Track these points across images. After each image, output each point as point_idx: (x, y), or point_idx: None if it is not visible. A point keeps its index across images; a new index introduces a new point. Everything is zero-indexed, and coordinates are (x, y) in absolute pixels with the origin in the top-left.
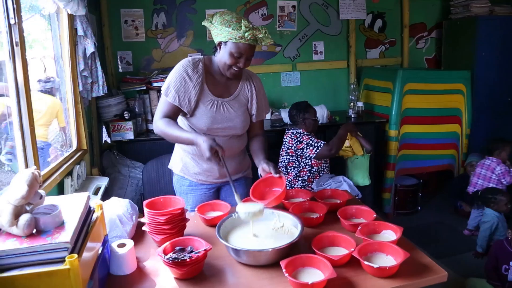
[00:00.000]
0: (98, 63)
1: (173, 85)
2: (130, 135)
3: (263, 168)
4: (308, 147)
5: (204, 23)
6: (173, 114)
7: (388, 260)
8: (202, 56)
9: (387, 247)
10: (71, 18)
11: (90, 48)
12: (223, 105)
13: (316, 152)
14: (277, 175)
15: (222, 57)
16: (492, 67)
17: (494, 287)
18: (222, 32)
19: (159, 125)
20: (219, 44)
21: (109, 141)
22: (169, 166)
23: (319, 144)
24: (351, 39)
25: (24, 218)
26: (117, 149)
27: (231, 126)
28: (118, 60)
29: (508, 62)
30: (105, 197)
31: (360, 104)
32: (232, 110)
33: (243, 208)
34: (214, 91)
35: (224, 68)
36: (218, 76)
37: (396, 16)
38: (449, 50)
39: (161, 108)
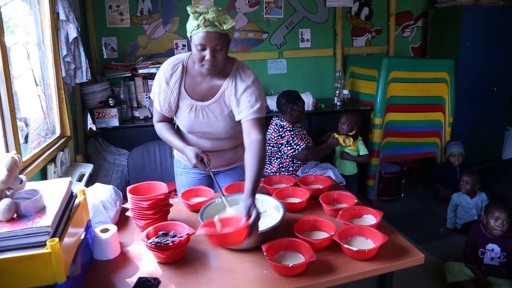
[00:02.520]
0: (81, 49)
1: (155, 91)
2: (115, 122)
3: (240, 208)
4: (287, 145)
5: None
6: (164, 118)
7: (367, 243)
8: (188, 55)
9: (367, 231)
10: (53, 2)
11: (73, 33)
12: (202, 110)
13: (292, 154)
14: (244, 220)
15: (193, 54)
16: (476, 57)
17: (471, 270)
18: (187, 27)
19: (158, 129)
20: (190, 41)
21: (94, 128)
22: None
23: (298, 147)
24: (337, 27)
25: (4, 202)
26: (102, 136)
27: (211, 132)
28: (103, 46)
29: (491, 52)
30: (90, 184)
31: (345, 91)
32: (212, 115)
33: (232, 213)
34: (194, 94)
35: (199, 66)
36: (201, 77)
37: (382, 4)
38: (434, 39)
39: (154, 111)
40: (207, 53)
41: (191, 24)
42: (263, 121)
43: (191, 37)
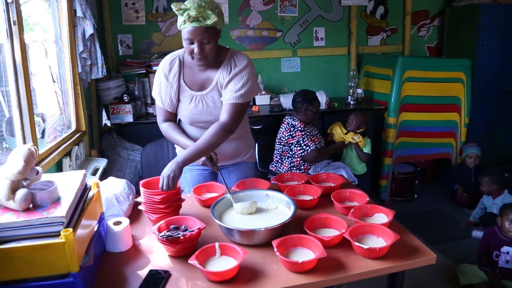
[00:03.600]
0: (97, 45)
1: (156, 88)
2: (130, 118)
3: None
4: (297, 145)
5: None
6: (168, 115)
7: (378, 242)
8: (182, 51)
9: (378, 229)
10: None
11: (89, 29)
12: (202, 100)
13: (301, 154)
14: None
15: (184, 47)
16: (493, 56)
17: (485, 273)
18: (177, 23)
19: (163, 129)
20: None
21: (109, 124)
22: (175, 145)
23: (308, 148)
24: (352, 26)
25: (21, 192)
26: (116, 131)
27: (212, 120)
28: (118, 43)
29: (510, 51)
30: (103, 178)
31: (359, 91)
32: (212, 103)
33: (239, 205)
34: (192, 85)
35: (191, 59)
36: (197, 68)
37: (398, 3)
38: (451, 38)
39: (157, 110)
40: (195, 47)
41: (179, 20)
42: (242, 107)
43: (181, 31)
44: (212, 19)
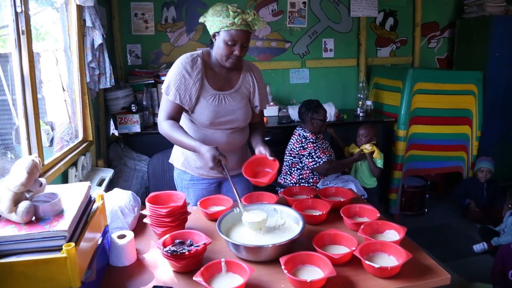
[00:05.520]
0: (106, 55)
1: (173, 83)
2: (137, 128)
3: (260, 150)
4: (308, 157)
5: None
6: (176, 113)
7: (390, 260)
8: (201, 51)
9: (390, 247)
10: (80, 9)
11: (98, 39)
12: (225, 98)
13: (313, 166)
14: (271, 158)
15: (218, 48)
16: (505, 68)
17: None
18: (214, 23)
19: (164, 127)
20: (214, 35)
21: (116, 133)
22: (170, 161)
23: (320, 160)
24: (361, 37)
25: (23, 205)
26: (123, 141)
27: (233, 119)
28: (127, 53)
29: None
30: (110, 189)
31: (369, 103)
32: (234, 103)
33: (248, 218)
34: (214, 85)
35: (222, 59)
36: (218, 69)
37: (408, 15)
38: (461, 50)
39: (163, 107)
40: (236, 49)
41: (223, 21)
42: None
43: (218, 32)
44: (260, 25)
